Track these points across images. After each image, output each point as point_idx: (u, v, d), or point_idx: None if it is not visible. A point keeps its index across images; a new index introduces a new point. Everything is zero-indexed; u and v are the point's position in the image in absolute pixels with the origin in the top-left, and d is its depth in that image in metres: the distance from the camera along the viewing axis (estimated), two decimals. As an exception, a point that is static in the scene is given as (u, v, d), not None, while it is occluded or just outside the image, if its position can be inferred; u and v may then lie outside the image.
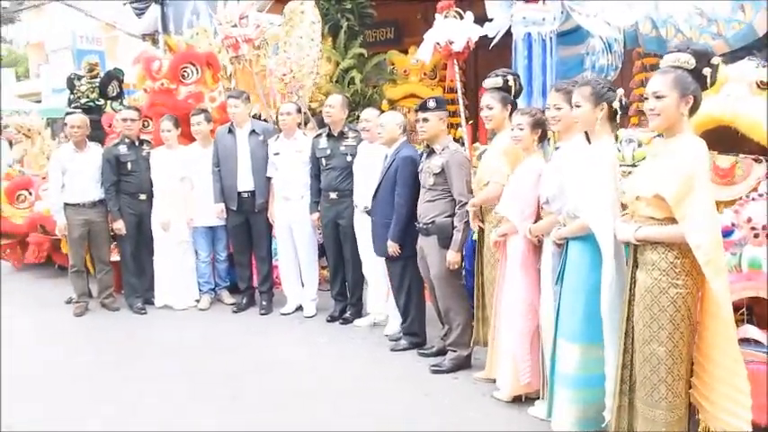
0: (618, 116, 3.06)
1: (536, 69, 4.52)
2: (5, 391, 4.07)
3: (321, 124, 5.63)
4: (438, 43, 5.12)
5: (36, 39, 22.15)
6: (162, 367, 4.45)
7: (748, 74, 3.56)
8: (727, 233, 3.10)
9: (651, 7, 4.49)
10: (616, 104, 3.00)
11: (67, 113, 6.27)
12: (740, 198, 3.34)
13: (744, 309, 3.09)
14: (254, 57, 6.18)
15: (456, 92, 5.46)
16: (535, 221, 3.49)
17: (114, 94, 6.87)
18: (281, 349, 4.78)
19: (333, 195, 5.12)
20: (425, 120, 4.14)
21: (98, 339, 5.16)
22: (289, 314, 5.53)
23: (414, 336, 4.62)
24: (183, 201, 5.72)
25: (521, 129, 3.55)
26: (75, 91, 6.77)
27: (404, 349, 4.58)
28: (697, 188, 2.54)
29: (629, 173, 3.47)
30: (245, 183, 5.49)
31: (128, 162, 5.62)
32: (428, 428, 3.51)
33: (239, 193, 5.49)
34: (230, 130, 5.56)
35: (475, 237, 4.17)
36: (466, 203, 3.99)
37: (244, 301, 5.75)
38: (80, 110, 6.35)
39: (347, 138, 5.12)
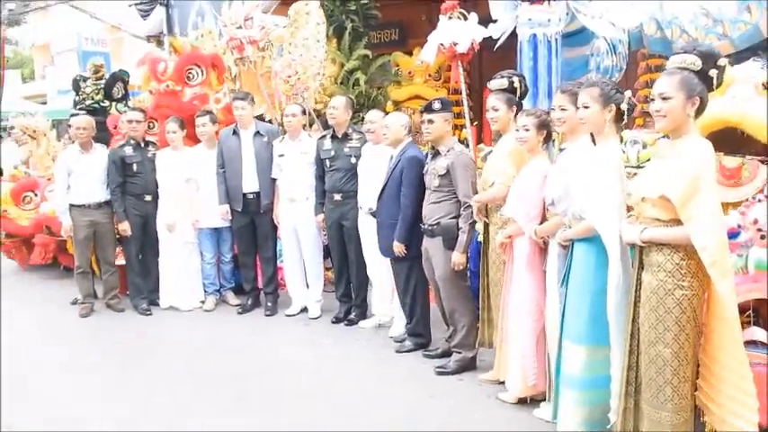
0: (624, 118, 3.06)
1: (541, 71, 4.52)
2: (8, 392, 4.09)
3: (326, 126, 5.64)
4: (442, 44, 5.12)
5: (42, 41, 22.24)
6: (167, 368, 4.47)
7: (754, 75, 3.55)
8: (733, 235, 3.10)
9: (656, 8, 4.48)
10: (624, 106, 3.00)
11: (72, 115, 6.29)
12: (746, 199, 3.33)
13: (750, 311, 3.08)
14: (258, 58, 6.19)
15: (460, 93, 5.46)
16: (540, 223, 3.49)
17: (119, 95, 6.88)
18: (286, 350, 4.79)
19: (337, 197, 5.12)
20: (430, 121, 4.14)
21: (103, 340, 5.17)
22: (293, 315, 5.54)
23: (419, 337, 4.61)
24: (189, 202, 5.73)
25: (526, 130, 3.55)
26: (80, 92, 6.79)
27: (409, 350, 4.58)
28: (703, 189, 2.53)
29: (634, 174, 3.47)
30: (250, 184, 5.50)
31: (133, 163, 5.64)
32: (433, 430, 3.51)
33: (244, 195, 5.51)
34: (235, 132, 5.57)
35: (480, 238, 4.17)
36: (471, 205, 3.99)
37: (249, 302, 5.75)
38: (85, 111, 6.36)
39: (351, 139, 5.12)
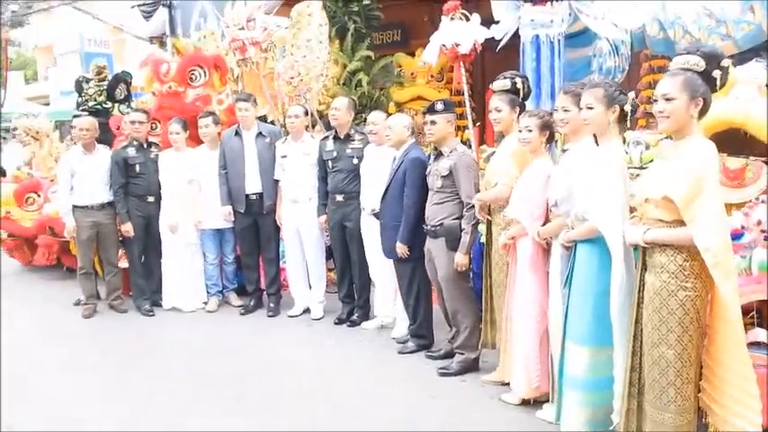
0: (627, 119, 3.06)
1: (544, 72, 4.51)
2: (9, 392, 4.10)
3: (328, 127, 5.64)
4: (444, 45, 5.12)
5: (45, 42, 22.27)
6: (168, 368, 4.47)
7: (757, 76, 3.54)
8: (736, 236, 3.09)
9: (659, 8, 4.47)
10: (627, 107, 3.00)
11: (75, 116, 6.30)
12: (750, 200, 3.32)
13: (753, 312, 3.08)
14: (261, 59, 6.19)
15: (463, 94, 5.45)
16: (544, 224, 3.49)
17: (122, 96, 6.89)
18: (288, 351, 4.79)
19: (339, 198, 5.13)
20: (433, 122, 4.14)
21: (105, 340, 5.18)
22: (296, 316, 5.54)
23: (421, 338, 4.61)
24: (191, 203, 5.73)
25: (529, 131, 3.54)
26: (82, 94, 6.80)
27: (411, 351, 4.58)
28: (706, 190, 2.53)
29: (637, 175, 3.47)
30: (253, 185, 5.50)
31: (136, 164, 5.65)
32: (435, 430, 3.51)
33: (247, 196, 5.51)
34: (237, 133, 5.57)
35: (483, 239, 4.17)
36: (474, 206, 3.99)
37: (251, 303, 5.76)
38: (87, 113, 6.37)
39: (353, 140, 5.12)
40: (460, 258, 4.06)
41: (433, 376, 4.17)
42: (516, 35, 4.78)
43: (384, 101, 7.17)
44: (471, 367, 4.19)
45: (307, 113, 5.60)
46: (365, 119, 5.26)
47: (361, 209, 5.00)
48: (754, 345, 2.93)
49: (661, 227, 2.66)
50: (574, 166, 3.21)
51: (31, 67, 26.99)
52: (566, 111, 3.32)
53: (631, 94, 3.02)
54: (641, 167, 3.76)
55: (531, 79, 4.38)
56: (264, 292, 5.78)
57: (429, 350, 4.54)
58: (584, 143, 3.24)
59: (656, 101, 2.69)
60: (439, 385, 4.05)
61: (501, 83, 3.94)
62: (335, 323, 5.30)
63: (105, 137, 6.19)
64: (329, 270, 5.81)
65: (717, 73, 2.61)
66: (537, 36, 4.53)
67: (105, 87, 6.79)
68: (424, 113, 4.25)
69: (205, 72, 6.32)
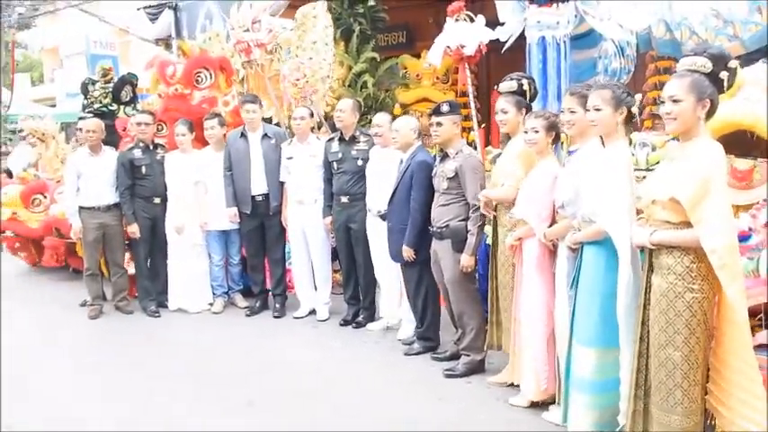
0: (634, 121, 3.05)
1: (551, 73, 4.51)
2: (12, 392, 4.12)
3: (334, 128, 5.65)
4: (449, 47, 5.12)
5: (51, 44, 22.35)
6: (172, 369, 4.48)
7: (765, 77, 3.53)
8: (744, 238, 3.08)
9: (665, 9, 4.46)
10: (635, 109, 3.00)
11: (80, 118, 6.32)
12: (758, 202, 3.31)
13: (761, 314, 3.07)
14: (266, 61, 6.20)
15: (468, 95, 5.45)
16: (550, 225, 3.48)
17: (127, 98, 6.91)
18: (294, 352, 4.79)
19: (344, 199, 5.13)
20: (439, 124, 4.13)
21: (111, 341, 5.20)
22: (302, 318, 5.54)
23: (427, 340, 4.61)
24: (197, 204, 5.75)
25: (535, 132, 3.54)
26: (88, 96, 6.82)
27: (417, 353, 4.57)
28: (713, 192, 2.53)
29: (644, 177, 3.46)
30: (259, 186, 5.51)
31: (142, 166, 5.66)
32: (441, 431, 3.51)
33: (253, 197, 5.52)
34: (243, 134, 5.58)
35: (489, 241, 4.16)
36: (480, 207, 3.99)
37: (257, 304, 5.76)
38: (93, 115, 6.39)
39: (359, 142, 5.13)
40: (466, 260, 4.06)
41: (438, 378, 4.16)
42: (521, 36, 4.78)
43: (389, 102, 7.17)
44: (477, 369, 4.19)
45: (312, 115, 5.60)
46: (370, 120, 5.26)
47: (367, 210, 5.00)
48: (760, 347, 2.91)
49: (668, 228, 2.66)
50: (581, 167, 3.21)
51: (37, 69, 27.10)
52: (572, 112, 3.32)
53: (638, 96, 3.01)
54: (647, 169, 3.75)
55: (538, 81, 4.38)
56: (270, 294, 5.79)
57: (435, 352, 4.54)
58: (590, 145, 3.24)
59: (663, 102, 2.68)
60: (445, 387, 4.04)
61: (507, 84, 3.94)
62: (341, 324, 5.30)
63: (111, 138, 6.22)
64: (335, 271, 5.81)
65: (724, 74, 2.60)
66: (543, 38, 4.54)
67: (111, 89, 6.82)
68: (430, 115, 4.24)
69: (211, 74, 6.33)
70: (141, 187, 5.70)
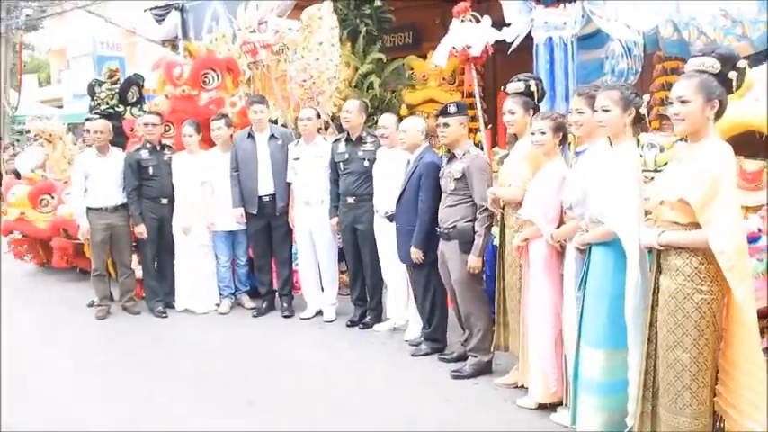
0: (643, 122, 3.05)
1: (558, 73, 4.51)
2: (17, 392, 4.13)
3: (340, 129, 5.65)
4: (454, 48, 5.11)
5: (58, 45, 22.44)
6: (177, 369, 4.49)
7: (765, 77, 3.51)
8: (753, 239, 3.07)
9: (673, 9, 4.45)
10: (643, 110, 2.99)
11: (87, 119, 6.34)
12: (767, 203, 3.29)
13: (770, 316, 3.05)
14: (273, 62, 6.21)
15: (474, 96, 5.44)
16: (558, 226, 3.47)
17: (134, 99, 6.93)
18: (300, 353, 4.79)
19: (350, 200, 5.13)
20: (446, 125, 4.13)
21: (117, 342, 5.21)
22: (308, 318, 5.54)
23: (435, 341, 4.60)
24: (204, 205, 5.76)
25: (542, 133, 3.53)
26: (95, 97, 6.85)
27: (424, 354, 4.57)
28: (722, 193, 2.52)
29: (651, 179, 3.44)
30: (266, 187, 5.52)
31: (149, 167, 5.68)
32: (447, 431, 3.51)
33: (260, 198, 5.52)
34: (250, 135, 5.59)
35: (496, 242, 4.16)
36: (487, 208, 3.99)
37: (264, 305, 5.77)
38: (100, 116, 6.42)
39: (365, 143, 5.13)
40: (473, 261, 4.05)
41: (445, 379, 4.16)
42: (527, 37, 4.77)
43: (396, 103, 7.17)
44: (484, 370, 4.18)
45: (319, 116, 5.61)
46: (377, 121, 5.27)
47: (375, 211, 5.00)
48: (770, 349, 2.90)
49: (676, 229, 2.65)
50: (589, 168, 3.20)
51: (44, 70, 27.23)
52: (580, 113, 3.31)
53: (646, 97, 3.00)
54: (655, 170, 3.73)
55: (545, 82, 4.38)
56: (277, 294, 5.79)
57: (442, 353, 4.54)
58: (598, 145, 3.23)
59: (671, 103, 2.67)
60: (452, 388, 4.04)
61: (515, 85, 3.92)
62: (348, 325, 5.29)
63: (118, 139, 6.24)
64: (341, 272, 5.81)
65: (733, 75, 2.59)
66: (550, 38, 4.54)
67: (117, 91, 6.84)
68: (437, 116, 4.24)
69: (218, 75, 6.34)
70: (148, 188, 5.71)
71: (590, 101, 3.20)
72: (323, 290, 5.59)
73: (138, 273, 5.97)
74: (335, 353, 4.76)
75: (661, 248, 2.70)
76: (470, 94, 5.77)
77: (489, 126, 5.83)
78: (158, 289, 5.87)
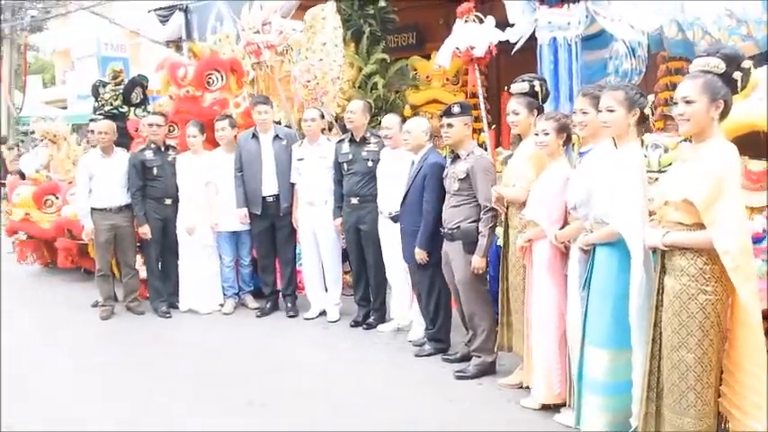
0: (647, 122, 3.04)
1: (562, 74, 4.50)
2: (17, 391, 4.15)
3: (344, 129, 5.66)
4: (458, 48, 5.11)
5: (62, 46, 22.48)
6: (178, 369, 4.50)
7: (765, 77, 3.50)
8: (758, 239, 3.06)
9: (677, 9, 4.44)
10: (647, 110, 2.99)
11: (91, 120, 6.35)
12: (771, 204, 3.28)
13: (775, 316, 3.04)
14: (276, 63, 6.21)
15: (478, 97, 5.44)
16: (562, 227, 3.47)
17: (138, 100, 6.94)
18: (302, 353, 4.80)
19: (354, 200, 5.13)
20: (450, 125, 4.13)
21: (121, 342, 5.22)
22: (312, 319, 5.54)
23: (438, 341, 4.60)
24: (208, 205, 5.77)
25: (546, 134, 3.53)
26: (99, 98, 6.86)
27: (428, 354, 4.57)
28: (727, 193, 2.51)
29: (656, 179, 3.44)
30: (270, 187, 5.53)
31: (154, 167, 5.69)
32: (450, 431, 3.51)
33: (264, 198, 5.53)
34: (254, 135, 5.60)
35: (500, 242, 4.16)
36: (491, 208, 3.99)
37: (268, 305, 5.78)
38: (104, 117, 6.43)
39: (369, 143, 5.13)
40: (477, 261, 4.05)
41: (449, 379, 4.16)
42: (531, 37, 4.77)
43: (400, 104, 7.17)
44: (488, 370, 4.18)
45: (323, 117, 5.61)
46: (380, 122, 5.27)
47: (379, 212, 5.00)
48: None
49: (681, 230, 2.65)
50: (593, 169, 3.20)
51: (49, 71, 27.30)
52: (584, 113, 3.31)
53: (651, 97, 3.00)
54: (660, 171, 3.73)
55: (549, 82, 4.37)
56: (281, 295, 5.80)
57: (446, 353, 4.53)
58: (602, 146, 3.23)
59: (675, 103, 2.67)
60: (455, 388, 4.04)
61: (519, 85, 3.92)
62: (351, 326, 5.30)
63: (123, 140, 6.25)
64: (345, 273, 5.82)
65: (738, 75, 2.59)
66: (554, 38, 4.53)
67: (121, 91, 6.85)
68: (441, 116, 4.24)
69: (222, 76, 6.35)
70: (152, 188, 5.72)
71: (594, 101, 3.20)
72: (326, 290, 5.60)
73: (143, 273, 5.98)
74: (337, 353, 4.76)
75: (665, 249, 2.70)
76: (474, 95, 5.76)
77: (493, 126, 5.81)
78: (162, 289, 5.88)
